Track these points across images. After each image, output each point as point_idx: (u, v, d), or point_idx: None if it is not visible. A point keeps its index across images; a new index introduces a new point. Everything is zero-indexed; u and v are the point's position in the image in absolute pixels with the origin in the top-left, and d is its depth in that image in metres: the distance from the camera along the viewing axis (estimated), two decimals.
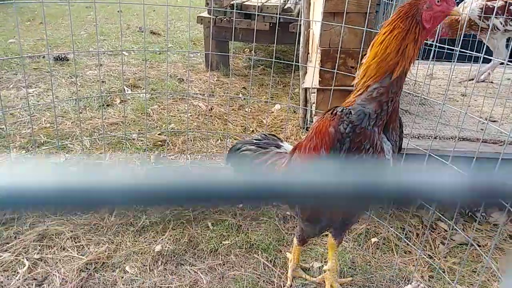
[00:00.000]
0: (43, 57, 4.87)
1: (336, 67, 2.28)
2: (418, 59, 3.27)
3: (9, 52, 4.92)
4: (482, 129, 2.38)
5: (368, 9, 2.13)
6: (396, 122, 1.32)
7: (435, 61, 3.40)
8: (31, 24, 6.83)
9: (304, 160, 1.36)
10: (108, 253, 1.94)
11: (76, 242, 2.01)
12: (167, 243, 2.04)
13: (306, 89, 3.13)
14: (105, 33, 6.29)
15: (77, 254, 1.93)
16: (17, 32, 6.12)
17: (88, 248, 1.97)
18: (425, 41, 1.30)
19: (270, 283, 1.85)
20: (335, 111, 1.24)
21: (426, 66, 3.41)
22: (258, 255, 2.00)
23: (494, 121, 2.56)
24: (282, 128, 3.33)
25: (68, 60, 4.72)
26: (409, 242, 2.12)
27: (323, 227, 1.53)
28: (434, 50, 2.39)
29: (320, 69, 2.44)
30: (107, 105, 3.62)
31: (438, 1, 1.13)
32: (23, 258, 1.89)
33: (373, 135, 1.19)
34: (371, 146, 1.19)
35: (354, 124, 1.18)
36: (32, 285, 1.76)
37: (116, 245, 2.00)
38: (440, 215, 2.37)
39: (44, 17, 2.55)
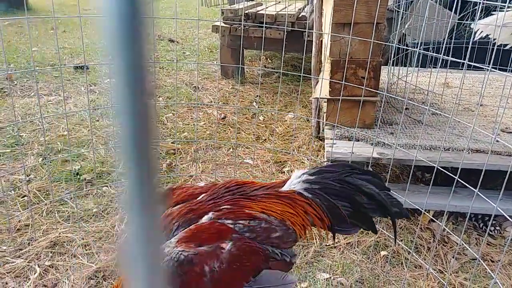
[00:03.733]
0: (64, 65, 5.02)
1: (345, 78, 2.27)
2: (434, 67, 3.22)
3: (32, 60, 5.08)
4: (497, 141, 2.32)
5: (376, 19, 2.11)
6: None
7: (450, 69, 3.34)
8: (54, 33, 7.04)
9: None
10: (117, 261, 1.98)
11: (86, 250, 2.05)
12: None
13: (318, 99, 3.12)
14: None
15: (87, 261, 1.97)
16: (40, 41, 6.32)
17: (98, 256, 2.01)
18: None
19: None
20: None
21: (443, 75, 3.35)
22: None
23: (511, 132, 2.50)
24: (295, 137, 3.33)
25: (88, 68, 4.84)
26: (419, 257, 2.09)
27: None
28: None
29: (331, 79, 2.44)
30: None
31: None
32: (34, 265, 1.94)
33: None
34: None
35: None
36: None
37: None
38: (454, 227, 2.33)
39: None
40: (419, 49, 2.30)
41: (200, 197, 1.40)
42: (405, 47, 3.01)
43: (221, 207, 1.34)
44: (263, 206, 1.37)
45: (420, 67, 3.54)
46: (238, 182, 1.44)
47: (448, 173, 1.86)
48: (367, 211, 1.44)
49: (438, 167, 1.90)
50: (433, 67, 3.24)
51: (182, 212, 1.33)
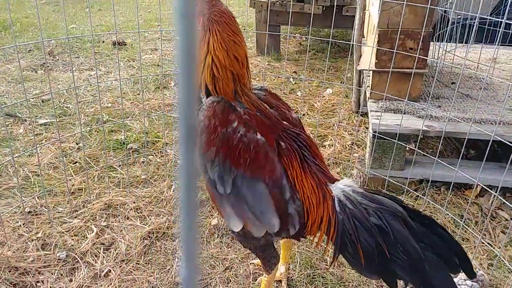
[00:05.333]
0: (103, 41, 5.11)
1: (395, 48, 2.23)
2: (481, 43, 3.12)
3: (70, 37, 5.18)
4: None
5: None
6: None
7: (500, 45, 3.23)
8: (90, 11, 7.15)
9: None
10: (168, 224, 2.05)
11: (138, 213, 2.13)
12: None
13: (360, 72, 3.09)
14: (160, 19, 6.46)
15: (140, 223, 2.05)
16: (77, 18, 6.44)
17: (150, 219, 2.09)
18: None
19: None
20: None
21: (489, 50, 3.24)
22: None
23: None
24: (334, 112, 3.31)
25: (125, 44, 4.92)
26: (466, 230, 2.07)
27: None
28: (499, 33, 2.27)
29: (377, 51, 2.40)
30: (164, 87, 3.75)
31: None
32: (91, 225, 2.03)
33: None
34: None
35: None
36: (100, 249, 1.90)
37: (175, 217, 2.10)
38: (502, 202, 2.28)
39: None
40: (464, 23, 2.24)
41: (285, 123, 1.47)
42: (456, 18, 2.93)
43: (280, 140, 1.37)
44: (299, 177, 1.32)
45: (464, 42, 3.43)
46: (310, 144, 1.42)
47: (504, 141, 1.82)
48: (396, 268, 1.20)
49: (492, 138, 1.87)
50: (476, 43, 3.15)
51: (268, 110, 1.45)
